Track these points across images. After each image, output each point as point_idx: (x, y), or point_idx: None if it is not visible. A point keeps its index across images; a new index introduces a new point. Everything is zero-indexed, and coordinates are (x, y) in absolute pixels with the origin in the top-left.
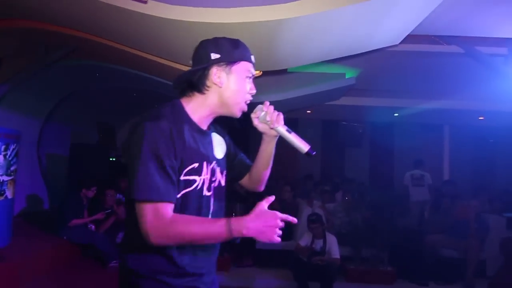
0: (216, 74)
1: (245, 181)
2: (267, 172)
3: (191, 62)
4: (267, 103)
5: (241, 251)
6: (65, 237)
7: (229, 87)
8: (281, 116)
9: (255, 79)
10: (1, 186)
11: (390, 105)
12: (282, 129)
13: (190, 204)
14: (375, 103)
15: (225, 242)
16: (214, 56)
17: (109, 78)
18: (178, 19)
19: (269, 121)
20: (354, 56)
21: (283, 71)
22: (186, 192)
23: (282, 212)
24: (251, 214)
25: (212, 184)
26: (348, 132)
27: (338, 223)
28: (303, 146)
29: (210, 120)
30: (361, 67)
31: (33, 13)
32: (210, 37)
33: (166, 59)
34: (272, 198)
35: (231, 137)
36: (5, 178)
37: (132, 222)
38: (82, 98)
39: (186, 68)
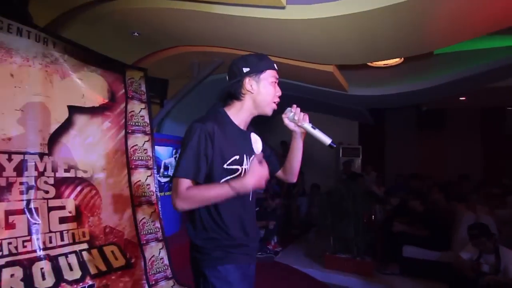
0: (249, 83)
1: (278, 175)
2: (298, 165)
3: (226, 77)
4: (295, 106)
5: (386, 257)
6: None
7: (260, 92)
8: (307, 116)
9: (395, 66)
10: None
11: None
12: (308, 126)
13: None
14: None
15: (368, 247)
16: (245, 69)
17: None
18: (317, 17)
19: (297, 119)
20: None
21: (429, 55)
22: (230, 179)
23: (435, 217)
24: (248, 173)
25: None
26: None
27: None
28: (326, 139)
29: (248, 121)
30: None
31: (191, 40)
32: (350, 28)
33: (302, 61)
34: (259, 156)
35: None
36: None
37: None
38: None
39: (319, 67)
